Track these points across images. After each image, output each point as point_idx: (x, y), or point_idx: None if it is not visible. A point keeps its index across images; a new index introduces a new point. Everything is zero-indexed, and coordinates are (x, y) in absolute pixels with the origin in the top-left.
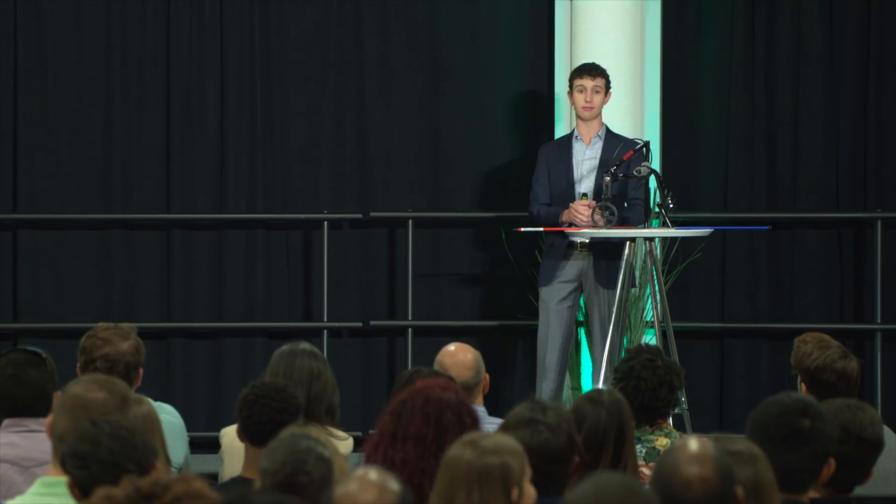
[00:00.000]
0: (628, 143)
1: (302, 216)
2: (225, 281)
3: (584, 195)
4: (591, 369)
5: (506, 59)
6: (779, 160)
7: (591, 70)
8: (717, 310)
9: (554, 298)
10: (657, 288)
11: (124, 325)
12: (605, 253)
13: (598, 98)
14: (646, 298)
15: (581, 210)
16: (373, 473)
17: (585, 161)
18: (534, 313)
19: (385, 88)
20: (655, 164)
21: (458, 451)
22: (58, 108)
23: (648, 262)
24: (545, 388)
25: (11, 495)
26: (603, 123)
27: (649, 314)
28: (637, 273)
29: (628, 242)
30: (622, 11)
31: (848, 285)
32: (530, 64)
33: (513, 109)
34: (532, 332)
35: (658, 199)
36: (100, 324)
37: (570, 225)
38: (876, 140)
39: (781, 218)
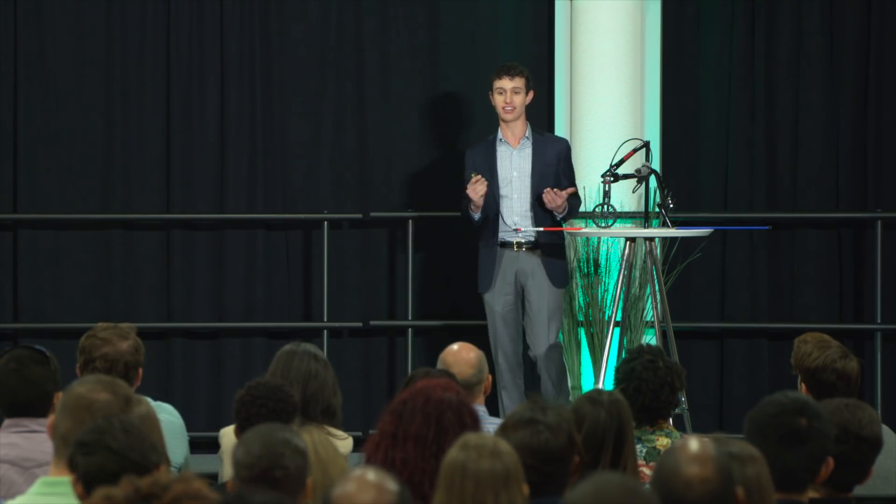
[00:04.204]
0: (557, 140)
1: (302, 216)
2: (225, 281)
3: (473, 173)
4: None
5: (506, 59)
6: (779, 160)
7: (510, 70)
8: (717, 310)
9: (499, 303)
10: (657, 288)
11: (123, 324)
12: (548, 251)
13: (518, 99)
14: (646, 298)
15: (469, 190)
16: (371, 473)
17: (515, 164)
18: None
19: (385, 88)
20: (655, 164)
21: (473, 460)
22: (58, 108)
23: (648, 262)
24: (506, 394)
25: (12, 495)
26: (527, 123)
27: (649, 314)
28: (637, 273)
29: (628, 242)
30: (622, 11)
31: (848, 285)
32: (530, 64)
33: None
34: None
35: (658, 199)
36: (99, 324)
37: (490, 213)
38: (876, 140)
39: (781, 218)
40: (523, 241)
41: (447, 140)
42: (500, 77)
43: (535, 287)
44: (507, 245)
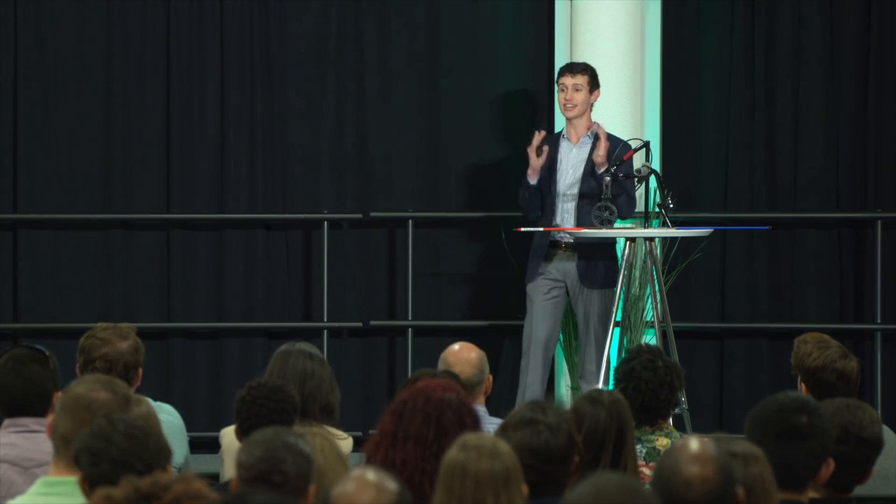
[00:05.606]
0: (621, 142)
1: (302, 216)
2: (225, 281)
3: (537, 130)
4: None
5: (506, 58)
6: (779, 160)
7: (573, 68)
8: (717, 310)
9: (539, 293)
10: (657, 288)
11: (123, 324)
12: (591, 253)
13: (579, 96)
14: (646, 298)
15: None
16: (370, 473)
17: (572, 161)
18: None
19: (385, 88)
20: (655, 164)
21: (473, 460)
22: (58, 108)
23: (648, 262)
24: (528, 383)
25: (11, 495)
26: (594, 123)
27: (649, 314)
28: (636, 273)
29: (628, 242)
30: (622, 11)
31: (848, 285)
32: (530, 63)
33: (513, 109)
34: None
35: (658, 199)
36: (99, 324)
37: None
38: (876, 140)
39: (781, 218)
40: (568, 240)
41: (448, 140)
42: (562, 74)
43: (572, 288)
44: (555, 244)
